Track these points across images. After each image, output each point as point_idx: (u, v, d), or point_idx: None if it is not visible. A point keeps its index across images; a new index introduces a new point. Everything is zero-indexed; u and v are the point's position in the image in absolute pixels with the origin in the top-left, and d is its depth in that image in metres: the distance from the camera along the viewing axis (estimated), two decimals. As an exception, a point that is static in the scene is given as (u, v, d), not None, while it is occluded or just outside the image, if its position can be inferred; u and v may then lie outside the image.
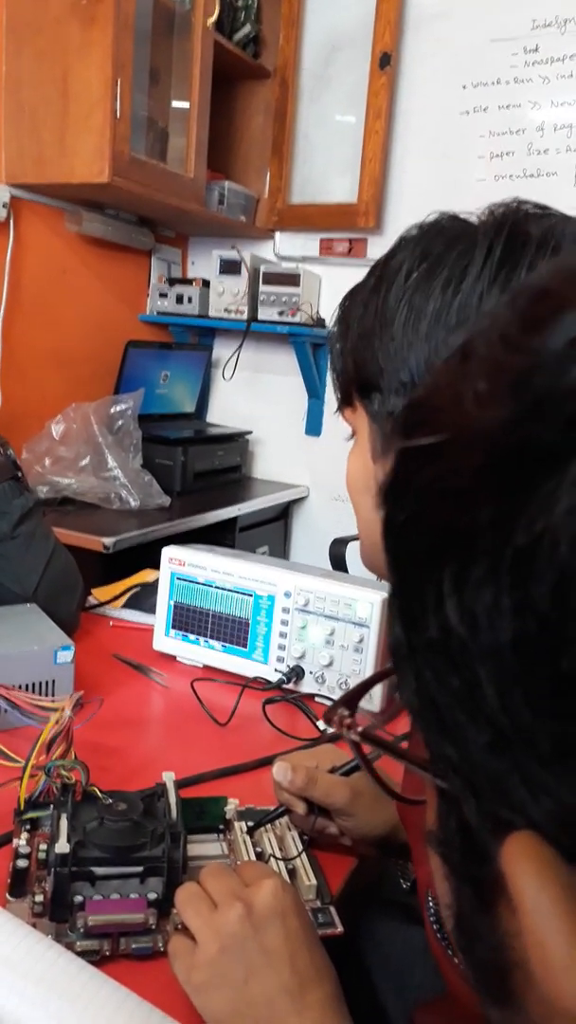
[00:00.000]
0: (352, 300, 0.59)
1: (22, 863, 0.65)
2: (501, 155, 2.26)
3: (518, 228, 0.51)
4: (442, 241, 0.53)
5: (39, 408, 2.09)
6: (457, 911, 0.30)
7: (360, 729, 0.34)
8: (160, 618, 1.14)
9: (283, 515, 2.67)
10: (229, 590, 1.09)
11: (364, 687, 0.38)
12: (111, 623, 1.27)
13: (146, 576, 1.41)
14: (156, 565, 1.17)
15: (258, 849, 0.72)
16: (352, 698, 0.36)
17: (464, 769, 0.25)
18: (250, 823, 0.74)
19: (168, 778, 0.71)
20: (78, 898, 0.60)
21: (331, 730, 0.98)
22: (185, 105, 2.18)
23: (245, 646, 1.09)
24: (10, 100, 1.93)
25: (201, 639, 1.12)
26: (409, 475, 0.28)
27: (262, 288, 2.40)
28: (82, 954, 0.57)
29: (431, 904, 0.55)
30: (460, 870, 0.29)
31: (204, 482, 2.34)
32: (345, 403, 0.61)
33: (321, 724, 1.00)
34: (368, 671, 1.01)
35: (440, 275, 0.51)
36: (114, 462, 2.00)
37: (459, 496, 0.24)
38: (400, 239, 0.57)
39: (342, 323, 0.59)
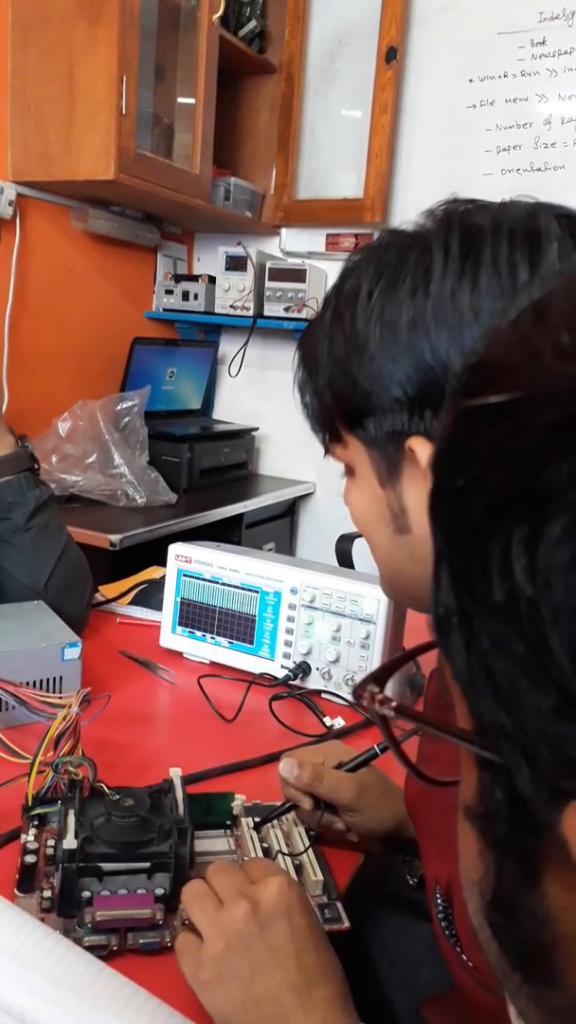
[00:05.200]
0: (312, 338, 0.58)
1: (30, 859, 0.66)
2: (508, 149, 2.25)
3: (466, 220, 0.51)
4: (394, 253, 0.53)
5: (46, 405, 2.09)
6: (495, 887, 0.29)
7: (394, 704, 0.33)
8: (167, 615, 1.15)
9: (289, 511, 2.67)
10: (235, 587, 1.09)
11: (396, 663, 0.37)
12: (118, 620, 1.27)
13: (153, 573, 1.42)
14: (163, 562, 1.17)
15: (265, 845, 0.73)
16: (382, 674, 0.35)
17: (519, 738, 0.25)
18: (257, 819, 0.75)
19: (175, 774, 0.71)
20: (86, 894, 0.60)
21: (338, 725, 0.98)
22: (191, 101, 2.18)
23: (252, 642, 1.09)
24: (16, 97, 1.93)
25: (208, 636, 1.12)
26: (471, 438, 0.27)
27: (268, 284, 2.40)
28: (90, 949, 0.57)
29: (439, 901, 0.55)
30: (505, 843, 0.28)
31: (210, 479, 2.34)
32: (333, 440, 0.60)
33: (328, 720, 1.00)
34: (375, 667, 1.01)
35: (404, 285, 0.51)
36: (120, 459, 2.00)
37: (531, 454, 0.24)
38: (344, 268, 0.56)
39: (307, 364, 0.58)
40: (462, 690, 0.28)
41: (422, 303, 0.50)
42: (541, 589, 0.23)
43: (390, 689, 0.99)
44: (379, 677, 0.34)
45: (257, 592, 1.08)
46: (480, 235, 0.50)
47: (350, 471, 0.60)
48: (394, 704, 0.33)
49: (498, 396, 0.26)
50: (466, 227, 0.51)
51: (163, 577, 1.18)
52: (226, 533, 2.19)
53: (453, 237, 0.50)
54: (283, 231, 2.61)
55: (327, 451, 0.62)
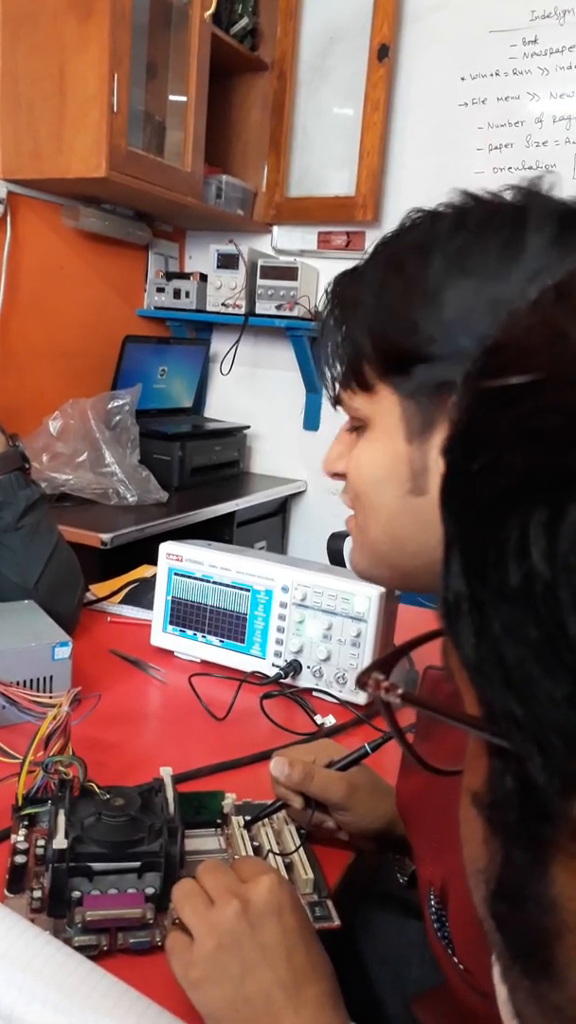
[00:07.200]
0: (353, 284, 0.56)
1: (20, 859, 0.65)
2: (500, 147, 2.25)
3: (555, 198, 0.52)
4: (479, 211, 0.53)
5: (36, 404, 2.09)
6: (500, 875, 0.29)
7: (400, 691, 0.32)
8: (158, 613, 1.14)
9: (281, 510, 2.67)
10: (227, 585, 1.09)
11: (400, 651, 0.37)
12: (109, 619, 1.27)
13: (144, 572, 1.42)
14: (154, 561, 1.17)
15: (255, 843, 0.73)
16: (387, 661, 0.34)
17: (531, 725, 0.24)
18: (247, 817, 0.75)
19: (165, 773, 0.71)
20: (76, 893, 0.60)
21: (330, 723, 0.98)
22: (182, 99, 2.18)
23: (243, 641, 1.09)
24: (7, 95, 1.92)
25: (199, 634, 1.12)
26: (489, 420, 0.27)
27: (260, 282, 2.40)
28: (80, 949, 0.57)
29: (433, 903, 0.55)
30: (514, 831, 0.28)
31: (202, 477, 2.34)
32: (357, 387, 0.57)
33: (319, 718, 1.00)
34: (366, 665, 1.01)
35: (494, 239, 0.51)
36: (112, 458, 2.00)
37: (553, 436, 0.24)
38: (403, 223, 0.55)
39: (343, 307, 0.57)
40: (470, 678, 0.27)
41: (516, 256, 0.50)
42: (560, 573, 0.23)
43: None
44: (384, 665, 0.34)
45: (248, 591, 1.08)
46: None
47: (361, 426, 0.58)
48: (400, 691, 0.32)
49: (519, 377, 0.26)
50: (561, 201, 0.51)
51: (154, 576, 1.18)
52: (217, 532, 2.19)
53: (553, 206, 0.51)
54: (275, 229, 2.60)
55: (337, 402, 0.60)
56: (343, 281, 0.58)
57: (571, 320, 0.26)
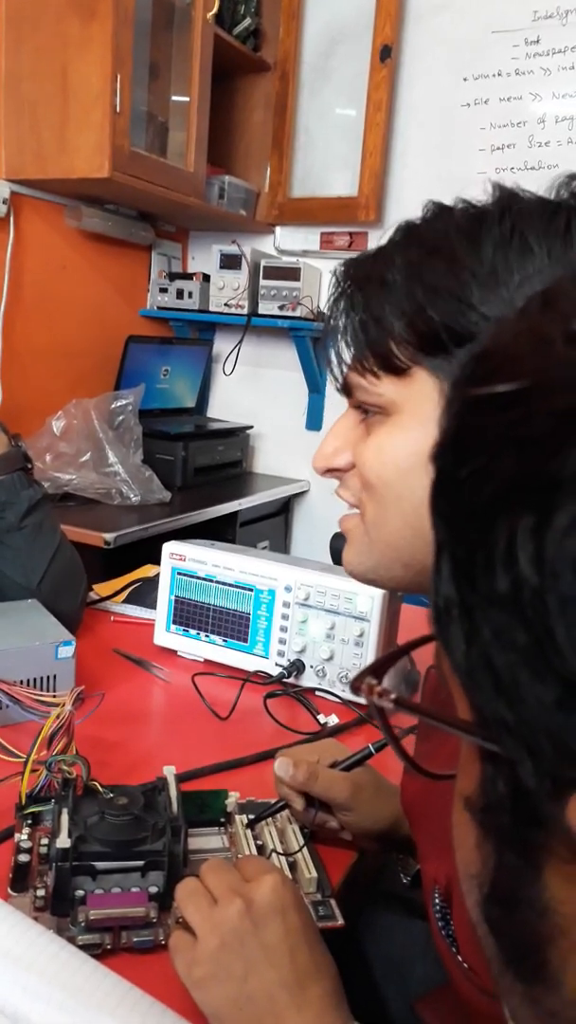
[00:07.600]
0: (375, 264, 0.53)
1: (24, 857, 0.66)
2: (502, 148, 2.25)
3: None
4: (525, 201, 0.51)
5: (40, 404, 2.09)
6: (493, 879, 0.29)
7: (393, 696, 0.32)
8: (161, 613, 1.14)
9: (284, 510, 2.67)
10: (230, 585, 1.09)
11: (393, 656, 0.37)
12: (112, 618, 1.27)
13: (147, 571, 1.42)
14: (157, 560, 1.17)
15: (259, 842, 0.73)
16: (380, 666, 0.34)
17: (521, 730, 0.24)
18: (251, 816, 0.75)
19: (169, 772, 0.71)
20: (79, 892, 0.60)
21: (333, 722, 0.98)
22: (185, 99, 2.18)
23: (246, 641, 1.09)
24: (10, 95, 1.92)
25: (202, 634, 1.12)
26: (477, 427, 0.27)
27: (262, 282, 2.40)
28: (83, 948, 0.57)
29: (437, 901, 0.55)
30: (507, 835, 0.28)
31: (205, 477, 2.34)
32: (384, 372, 0.52)
33: (322, 718, 1.00)
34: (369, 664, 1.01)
35: (555, 221, 0.49)
36: (115, 457, 2.00)
37: (540, 442, 0.24)
38: (427, 209, 0.54)
39: (365, 287, 0.53)
40: (461, 683, 0.27)
41: None
42: (547, 579, 0.23)
43: (386, 684, 0.98)
44: (377, 669, 0.34)
45: (251, 590, 1.08)
46: None
47: (378, 413, 0.54)
48: (393, 696, 0.32)
49: (506, 384, 0.26)
50: None
51: (157, 575, 1.18)
52: (220, 531, 2.19)
53: None
54: (277, 229, 2.61)
55: (347, 389, 0.55)
56: (357, 264, 0.55)
57: (557, 328, 0.26)
